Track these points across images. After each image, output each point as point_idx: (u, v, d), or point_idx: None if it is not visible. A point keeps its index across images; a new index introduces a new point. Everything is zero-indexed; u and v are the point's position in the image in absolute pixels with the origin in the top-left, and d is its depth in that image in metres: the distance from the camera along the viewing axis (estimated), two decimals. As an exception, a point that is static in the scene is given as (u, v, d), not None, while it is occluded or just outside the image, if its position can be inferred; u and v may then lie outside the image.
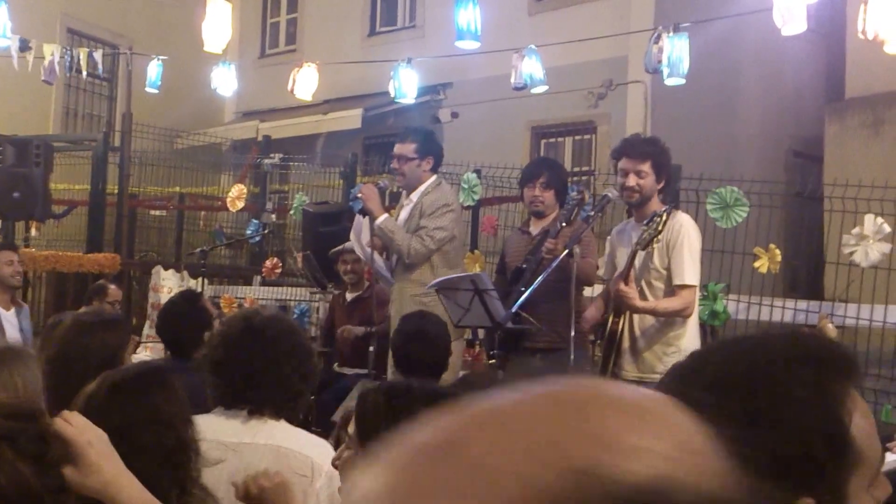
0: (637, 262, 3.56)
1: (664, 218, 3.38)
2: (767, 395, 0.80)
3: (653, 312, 3.55)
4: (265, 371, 2.14)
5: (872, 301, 4.66)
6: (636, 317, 3.61)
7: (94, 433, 1.40)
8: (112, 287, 5.85)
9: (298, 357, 2.21)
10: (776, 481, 0.77)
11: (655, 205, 3.69)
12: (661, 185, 3.69)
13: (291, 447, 2.17)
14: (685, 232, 3.55)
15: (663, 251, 3.56)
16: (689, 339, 3.58)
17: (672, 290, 3.57)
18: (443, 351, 3.45)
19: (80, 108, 12.81)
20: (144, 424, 1.65)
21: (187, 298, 3.64)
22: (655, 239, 3.38)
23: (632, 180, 3.62)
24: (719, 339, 4.39)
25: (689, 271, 3.55)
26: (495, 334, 3.78)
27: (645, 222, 3.48)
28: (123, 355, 2.51)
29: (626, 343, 3.62)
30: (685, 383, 0.87)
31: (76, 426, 1.38)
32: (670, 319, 3.59)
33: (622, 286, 3.47)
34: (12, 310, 5.20)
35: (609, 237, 4.09)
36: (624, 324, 3.61)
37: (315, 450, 2.19)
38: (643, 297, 3.58)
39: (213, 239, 8.55)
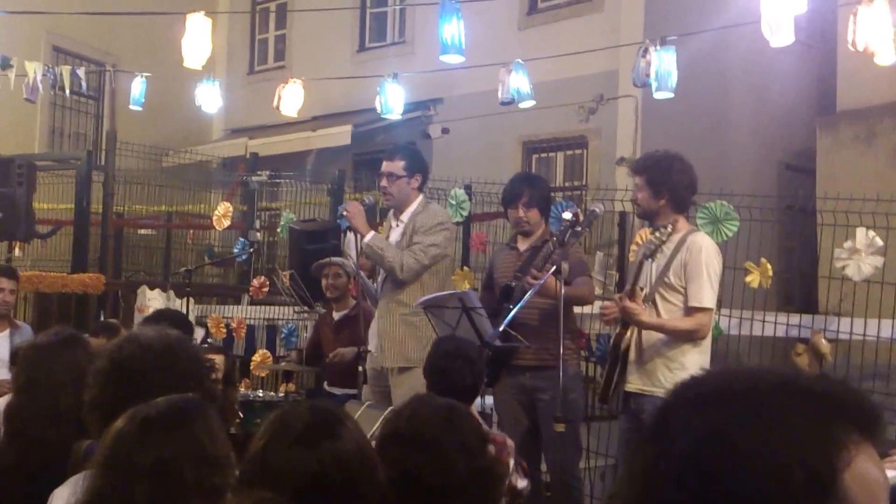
0: (651, 274, 3.61)
1: (669, 230, 3.43)
2: (763, 413, 0.76)
3: (660, 329, 3.57)
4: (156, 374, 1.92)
5: (865, 315, 4.59)
6: (644, 330, 3.62)
7: None
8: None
9: (186, 359, 1.99)
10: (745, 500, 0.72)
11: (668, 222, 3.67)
12: (663, 201, 3.65)
13: None
14: (707, 255, 3.58)
15: (679, 269, 3.58)
16: (693, 356, 3.59)
17: (688, 309, 3.57)
18: (479, 373, 3.27)
19: (66, 126, 12.72)
20: (186, 460, 1.50)
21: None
22: (659, 250, 3.44)
23: (634, 194, 3.79)
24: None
25: (707, 294, 3.57)
26: (484, 353, 3.69)
27: (650, 232, 3.56)
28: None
29: (633, 355, 3.67)
30: (681, 392, 0.82)
31: None
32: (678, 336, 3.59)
33: (627, 302, 3.50)
34: (7, 331, 5.09)
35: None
36: (632, 336, 3.65)
37: None
38: (656, 309, 3.61)
39: (204, 256, 8.44)
